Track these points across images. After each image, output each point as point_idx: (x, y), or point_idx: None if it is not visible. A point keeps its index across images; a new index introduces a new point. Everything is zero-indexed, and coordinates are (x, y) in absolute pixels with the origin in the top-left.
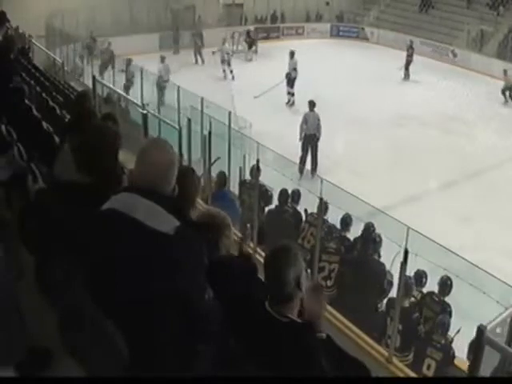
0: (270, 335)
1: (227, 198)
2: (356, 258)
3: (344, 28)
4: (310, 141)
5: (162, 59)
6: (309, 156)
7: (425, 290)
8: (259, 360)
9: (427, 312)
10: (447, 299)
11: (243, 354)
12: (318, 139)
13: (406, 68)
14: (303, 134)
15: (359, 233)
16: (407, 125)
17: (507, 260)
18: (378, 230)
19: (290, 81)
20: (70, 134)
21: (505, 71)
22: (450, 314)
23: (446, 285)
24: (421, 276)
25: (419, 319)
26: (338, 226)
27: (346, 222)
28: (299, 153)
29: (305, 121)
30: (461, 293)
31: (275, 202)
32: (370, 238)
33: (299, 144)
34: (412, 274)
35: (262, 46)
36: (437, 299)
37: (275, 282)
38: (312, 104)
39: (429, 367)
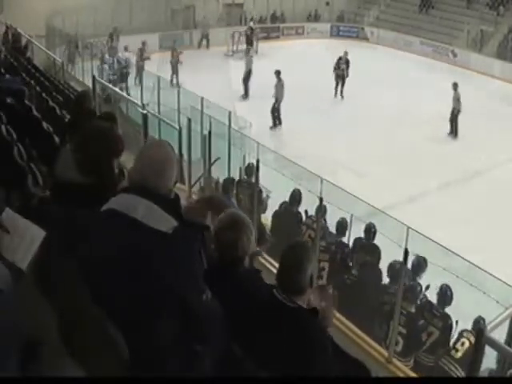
0: (276, 321)
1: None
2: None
3: (344, 28)
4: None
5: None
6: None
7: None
8: (263, 350)
9: (428, 327)
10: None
11: (246, 347)
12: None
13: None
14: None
15: (359, 233)
16: (407, 125)
17: (507, 260)
18: (378, 230)
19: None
20: (71, 134)
21: None
22: (450, 327)
23: (445, 295)
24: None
25: (424, 326)
26: (334, 229)
27: (342, 225)
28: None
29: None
30: (461, 293)
31: (272, 202)
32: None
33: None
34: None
35: (261, 45)
36: (438, 314)
37: (293, 273)
38: (278, 72)
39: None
